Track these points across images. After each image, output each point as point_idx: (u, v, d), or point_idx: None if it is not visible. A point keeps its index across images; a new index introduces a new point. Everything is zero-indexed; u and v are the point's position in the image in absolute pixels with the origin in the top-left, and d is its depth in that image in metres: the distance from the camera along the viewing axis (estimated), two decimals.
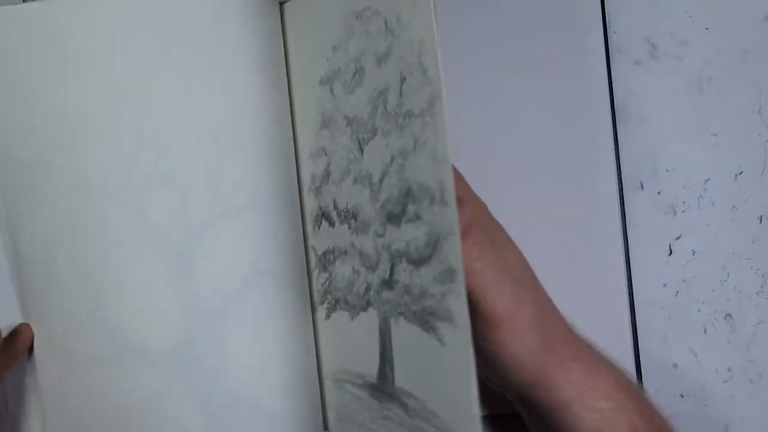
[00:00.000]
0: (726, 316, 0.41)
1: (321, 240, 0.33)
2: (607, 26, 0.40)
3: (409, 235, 0.26)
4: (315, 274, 0.34)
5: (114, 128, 0.33)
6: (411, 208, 0.26)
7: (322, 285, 0.33)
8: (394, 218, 0.27)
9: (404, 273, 0.27)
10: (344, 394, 0.32)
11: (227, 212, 0.33)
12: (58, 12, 0.32)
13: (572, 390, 0.31)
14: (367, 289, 0.29)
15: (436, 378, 0.26)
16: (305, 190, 0.34)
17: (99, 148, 0.33)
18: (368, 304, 0.29)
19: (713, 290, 0.41)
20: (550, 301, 0.33)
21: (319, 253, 0.33)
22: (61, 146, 0.33)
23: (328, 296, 0.32)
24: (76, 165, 0.33)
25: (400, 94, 0.26)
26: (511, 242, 0.32)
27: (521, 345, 0.30)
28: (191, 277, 0.33)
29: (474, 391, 0.24)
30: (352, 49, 0.29)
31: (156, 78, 0.33)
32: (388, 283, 0.28)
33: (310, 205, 0.33)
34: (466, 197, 0.30)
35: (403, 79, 0.26)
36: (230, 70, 0.33)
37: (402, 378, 0.28)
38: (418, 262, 0.26)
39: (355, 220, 0.29)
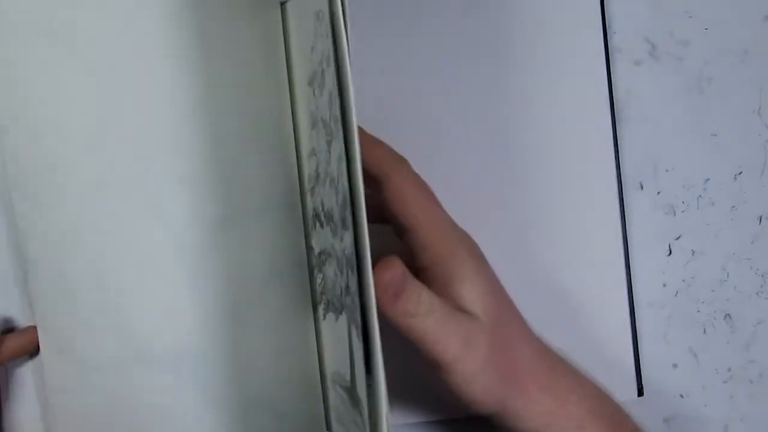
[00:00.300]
0: (726, 316, 0.41)
1: (317, 240, 0.33)
2: (607, 26, 0.40)
3: (349, 242, 0.27)
4: (314, 275, 0.34)
5: (129, 128, 0.32)
6: (348, 215, 0.26)
7: (319, 285, 0.33)
8: (344, 223, 0.27)
9: (351, 280, 0.27)
10: (337, 395, 0.32)
11: (242, 213, 0.33)
12: (63, 6, 0.32)
13: (538, 420, 0.31)
14: (341, 292, 0.29)
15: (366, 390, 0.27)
16: (305, 190, 0.34)
17: (114, 148, 0.32)
18: (342, 307, 0.29)
19: (713, 290, 0.41)
20: (519, 329, 0.32)
21: (316, 254, 0.33)
22: (75, 145, 0.32)
23: (324, 297, 0.33)
24: (90, 164, 0.32)
25: (336, 99, 0.26)
26: (477, 268, 0.31)
27: (475, 385, 0.30)
28: (208, 278, 0.33)
29: (382, 409, 0.24)
30: (319, 50, 0.29)
31: (166, 78, 0.33)
32: (348, 289, 0.28)
33: (309, 205, 0.33)
34: (427, 229, 0.30)
35: (335, 84, 0.26)
36: (233, 70, 0.33)
37: (358, 385, 0.28)
38: (353, 270, 0.26)
39: (332, 222, 0.30)
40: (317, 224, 0.32)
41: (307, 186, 0.33)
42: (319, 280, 0.33)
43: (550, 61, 0.39)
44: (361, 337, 0.26)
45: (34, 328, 0.33)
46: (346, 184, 0.26)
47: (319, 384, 0.34)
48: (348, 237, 0.26)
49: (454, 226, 0.32)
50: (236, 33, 0.33)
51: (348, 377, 0.30)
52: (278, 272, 0.33)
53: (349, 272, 0.27)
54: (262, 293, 0.33)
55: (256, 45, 0.33)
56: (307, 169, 0.33)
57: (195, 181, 0.33)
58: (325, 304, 0.33)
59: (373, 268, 0.25)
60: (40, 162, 0.32)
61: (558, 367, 0.33)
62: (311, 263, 0.34)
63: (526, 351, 0.32)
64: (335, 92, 0.26)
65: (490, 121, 0.39)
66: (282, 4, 0.34)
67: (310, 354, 0.34)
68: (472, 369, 0.30)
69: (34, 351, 0.33)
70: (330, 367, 0.33)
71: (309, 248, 0.34)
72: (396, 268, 0.28)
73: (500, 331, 0.31)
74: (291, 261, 0.34)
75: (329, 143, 0.29)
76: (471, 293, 0.30)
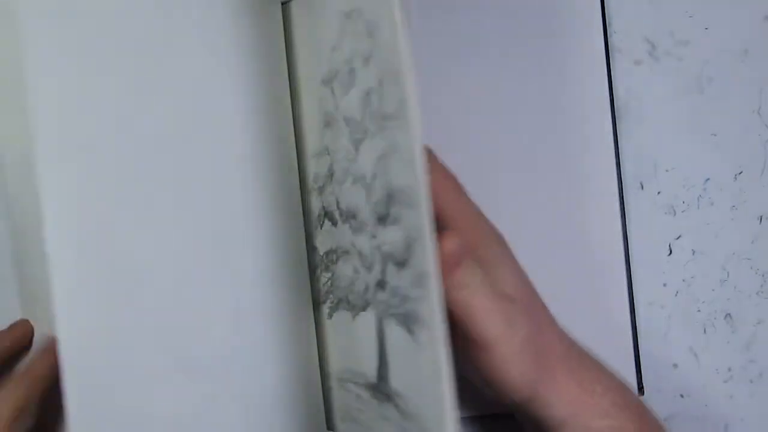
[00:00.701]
0: (726, 316, 0.41)
1: (323, 239, 0.33)
2: (607, 26, 0.40)
3: (392, 238, 0.27)
4: (317, 274, 0.34)
5: (148, 124, 0.32)
6: (393, 210, 0.27)
7: (324, 285, 0.33)
8: (382, 220, 0.28)
9: (392, 275, 0.27)
10: (347, 393, 0.32)
11: (244, 212, 0.33)
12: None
13: (567, 409, 0.31)
14: (366, 289, 0.30)
15: (418, 381, 0.27)
16: (308, 189, 0.34)
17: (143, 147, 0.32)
18: (367, 304, 0.30)
19: (713, 290, 0.41)
20: (548, 318, 0.33)
21: (322, 253, 0.33)
22: (101, 147, 0.31)
23: (331, 296, 0.33)
24: (118, 164, 0.31)
25: (380, 97, 0.27)
26: (508, 257, 0.32)
27: (511, 367, 0.30)
28: (236, 280, 0.32)
29: (447, 397, 0.24)
30: (345, 49, 0.29)
31: (169, 76, 0.32)
32: (381, 285, 0.28)
33: (313, 204, 0.33)
34: (458, 218, 0.30)
35: (380, 82, 0.27)
36: (235, 68, 0.33)
37: (395, 379, 0.28)
38: (400, 265, 0.27)
39: (355, 219, 0.30)
40: (326, 223, 0.32)
41: (313, 185, 0.33)
42: (324, 280, 0.33)
43: (551, 61, 0.39)
44: (408, 330, 0.26)
45: (26, 320, 0.33)
46: (394, 179, 0.26)
47: (319, 384, 0.34)
48: (393, 232, 0.27)
49: (481, 215, 0.32)
50: (237, 32, 0.33)
51: (374, 373, 0.30)
52: (278, 272, 0.33)
53: (391, 267, 0.27)
54: (276, 293, 0.33)
55: (257, 44, 0.33)
56: (314, 168, 0.33)
57: (204, 180, 0.32)
58: (332, 302, 0.33)
59: None
60: (73, 164, 0.31)
61: (584, 356, 0.33)
62: (312, 263, 0.34)
63: (556, 339, 0.32)
64: (381, 91, 0.27)
65: (490, 120, 0.39)
66: (284, 4, 0.34)
67: (310, 354, 0.34)
68: (511, 351, 0.30)
69: (28, 344, 0.33)
70: (337, 365, 0.33)
71: (311, 248, 0.34)
72: (456, 238, 0.28)
73: (533, 316, 0.31)
74: (291, 261, 0.34)
75: (358, 141, 0.29)
76: (505, 277, 0.31)
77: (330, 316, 0.33)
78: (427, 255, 0.25)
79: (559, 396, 0.31)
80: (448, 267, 0.28)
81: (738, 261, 0.41)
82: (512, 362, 0.30)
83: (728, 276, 0.41)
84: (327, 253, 0.32)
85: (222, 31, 0.33)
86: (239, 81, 0.33)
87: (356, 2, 0.28)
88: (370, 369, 0.30)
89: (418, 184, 0.25)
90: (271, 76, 0.34)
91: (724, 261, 0.41)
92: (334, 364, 0.33)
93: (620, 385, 0.33)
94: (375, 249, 0.28)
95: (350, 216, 0.30)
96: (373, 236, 0.28)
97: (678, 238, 0.41)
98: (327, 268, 0.33)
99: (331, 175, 0.31)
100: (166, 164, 0.32)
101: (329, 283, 0.32)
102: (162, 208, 0.32)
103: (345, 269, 0.31)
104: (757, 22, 0.41)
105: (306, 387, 0.34)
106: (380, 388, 0.29)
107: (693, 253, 0.41)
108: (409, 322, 0.27)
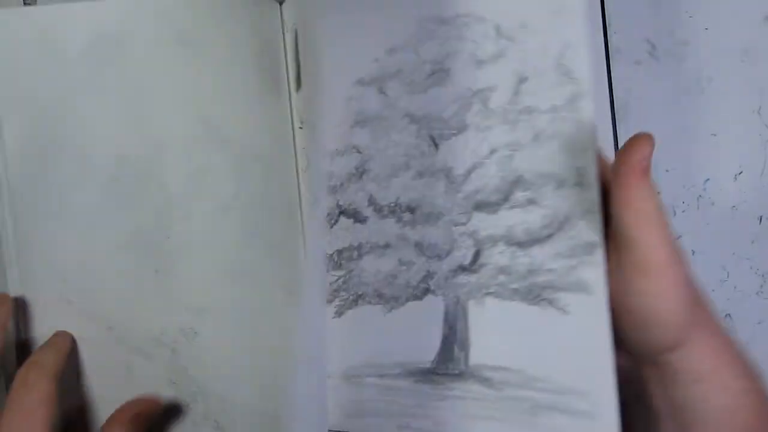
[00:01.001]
0: (726, 316, 0.41)
1: (335, 238, 0.33)
2: (607, 26, 0.40)
3: (511, 220, 0.29)
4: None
5: (146, 123, 0.33)
6: (520, 195, 0.29)
7: (332, 284, 0.33)
8: (486, 206, 0.30)
9: (500, 255, 0.30)
10: (361, 389, 0.32)
11: (243, 212, 0.33)
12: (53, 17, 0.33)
13: (708, 362, 0.28)
14: (426, 277, 0.31)
15: (549, 346, 0.28)
16: (320, 188, 0.34)
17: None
18: (424, 292, 0.31)
19: (713, 290, 0.41)
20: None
21: (331, 252, 0.33)
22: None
23: (343, 293, 0.33)
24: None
25: (515, 93, 0.29)
26: None
27: (670, 300, 0.27)
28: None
29: (609, 356, 0.27)
30: (428, 51, 0.31)
31: (154, 74, 0.33)
32: (468, 268, 0.30)
33: (329, 203, 0.33)
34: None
35: (522, 79, 0.29)
36: (226, 67, 0.33)
37: (483, 355, 0.30)
38: (527, 243, 0.29)
39: (411, 212, 0.31)
40: (341, 221, 0.33)
41: (328, 184, 0.33)
42: (334, 278, 0.33)
43: None
44: (534, 302, 0.29)
45: (5, 294, 0.33)
46: (517, 170, 0.29)
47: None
48: (509, 217, 0.29)
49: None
50: (231, 32, 0.33)
51: (430, 358, 0.31)
52: (279, 274, 0.33)
53: (500, 248, 0.29)
54: (266, 295, 0.33)
55: (252, 44, 0.33)
56: (329, 168, 0.33)
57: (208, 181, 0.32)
58: (343, 300, 0.33)
59: None
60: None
61: (717, 315, 0.30)
62: None
63: (699, 290, 0.30)
64: (517, 88, 0.29)
65: None
66: (281, 4, 0.34)
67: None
68: (674, 281, 0.27)
69: (10, 317, 0.33)
70: (345, 362, 0.33)
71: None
72: (652, 146, 0.27)
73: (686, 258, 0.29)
74: (291, 263, 0.34)
75: (440, 137, 0.31)
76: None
77: (339, 314, 0.33)
78: (596, 227, 0.28)
79: (703, 346, 0.28)
80: (641, 170, 0.26)
81: (738, 261, 0.41)
82: (671, 295, 0.27)
83: (728, 276, 0.41)
84: (341, 251, 0.33)
85: (217, 30, 0.33)
86: (232, 80, 0.33)
87: (464, 8, 0.30)
88: (419, 356, 0.31)
89: (588, 166, 0.28)
90: (268, 76, 0.34)
91: (724, 261, 0.41)
92: (339, 363, 0.33)
93: (744, 350, 0.30)
94: (463, 236, 0.30)
95: (401, 209, 0.31)
96: (457, 224, 0.30)
97: (678, 238, 0.41)
98: (339, 266, 0.33)
99: (361, 173, 0.32)
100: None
101: (341, 281, 0.33)
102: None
103: (378, 264, 0.32)
104: (757, 22, 0.41)
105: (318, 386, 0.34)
106: (441, 370, 0.30)
107: (693, 253, 0.41)
108: (537, 293, 0.29)
